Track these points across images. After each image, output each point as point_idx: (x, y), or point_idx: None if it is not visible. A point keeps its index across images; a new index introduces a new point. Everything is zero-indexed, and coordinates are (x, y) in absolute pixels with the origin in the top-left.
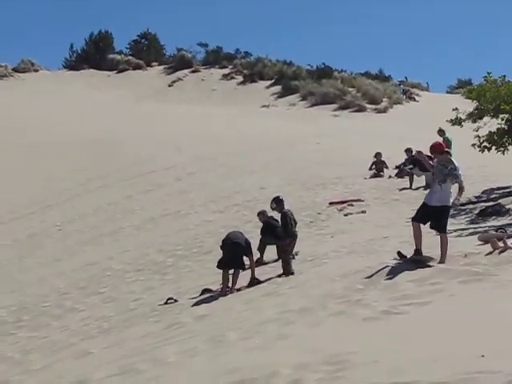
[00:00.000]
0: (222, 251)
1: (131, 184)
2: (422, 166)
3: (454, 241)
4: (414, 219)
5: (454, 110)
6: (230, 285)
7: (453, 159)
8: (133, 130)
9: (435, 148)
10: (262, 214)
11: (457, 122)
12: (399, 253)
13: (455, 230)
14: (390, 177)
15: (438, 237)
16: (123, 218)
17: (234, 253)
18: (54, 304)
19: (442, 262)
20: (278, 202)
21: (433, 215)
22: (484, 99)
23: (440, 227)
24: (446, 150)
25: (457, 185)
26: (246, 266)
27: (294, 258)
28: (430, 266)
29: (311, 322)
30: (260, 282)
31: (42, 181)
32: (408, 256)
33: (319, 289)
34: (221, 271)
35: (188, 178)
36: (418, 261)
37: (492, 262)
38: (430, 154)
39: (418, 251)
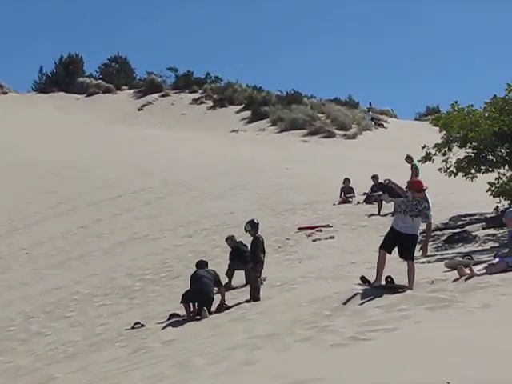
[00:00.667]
0: (190, 285)
1: (100, 208)
2: (392, 193)
3: (422, 267)
4: (381, 246)
5: (423, 147)
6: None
7: (427, 196)
8: (102, 153)
9: (414, 186)
10: (230, 239)
11: (427, 158)
12: (363, 278)
13: (421, 257)
14: (358, 203)
15: (405, 263)
16: (92, 241)
17: (204, 293)
18: (20, 328)
19: (409, 288)
20: (253, 225)
21: (402, 242)
22: (451, 129)
23: (408, 254)
24: (424, 188)
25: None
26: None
27: (262, 283)
28: (396, 292)
29: (279, 347)
30: (228, 308)
31: (10, 203)
32: (372, 281)
33: (287, 314)
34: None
35: (157, 202)
36: (384, 287)
37: (458, 288)
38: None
39: (375, 283)
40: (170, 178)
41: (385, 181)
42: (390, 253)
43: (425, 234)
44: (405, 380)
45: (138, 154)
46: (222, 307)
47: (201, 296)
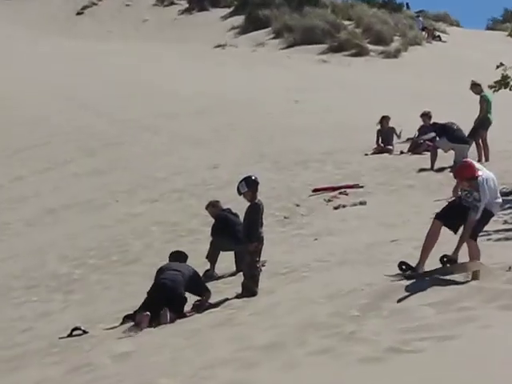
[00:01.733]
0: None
1: (21, 159)
2: (453, 136)
3: (492, 247)
4: (437, 216)
5: (498, 66)
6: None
7: (481, 182)
8: (23, 78)
9: (464, 174)
10: (213, 206)
11: (503, 83)
12: (403, 264)
13: (494, 231)
14: (401, 152)
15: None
16: (9, 208)
17: (168, 288)
18: None
19: (474, 278)
20: (250, 185)
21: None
22: None
23: (472, 232)
24: (475, 175)
25: None
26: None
27: (260, 270)
28: (457, 284)
29: (283, 364)
30: (211, 306)
31: None
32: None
33: (295, 316)
34: None
35: (105, 152)
36: (434, 272)
37: None
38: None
39: (418, 267)
40: (125, 116)
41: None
42: (452, 230)
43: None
44: None
45: (77, 79)
46: (203, 305)
47: (162, 293)
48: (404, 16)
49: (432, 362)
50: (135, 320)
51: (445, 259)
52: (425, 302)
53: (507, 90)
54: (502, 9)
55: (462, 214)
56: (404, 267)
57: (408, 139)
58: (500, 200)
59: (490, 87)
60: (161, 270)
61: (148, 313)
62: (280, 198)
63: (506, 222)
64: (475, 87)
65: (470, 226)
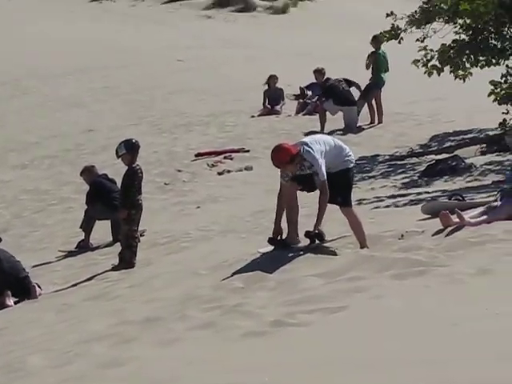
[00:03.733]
0: None
1: None
2: (339, 97)
3: (384, 213)
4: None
5: (388, 15)
6: None
7: (305, 151)
8: None
9: (282, 160)
10: (88, 172)
11: (393, 34)
12: (273, 239)
13: (387, 197)
14: (290, 115)
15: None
16: None
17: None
18: None
19: (362, 246)
20: (129, 148)
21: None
22: None
23: (343, 200)
24: (294, 153)
25: None
26: None
27: (139, 240)
28: (346, 253)
29: (161, 339)
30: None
31: None
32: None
33: (175, 288)
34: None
35: None
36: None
37: (441, 245)
38: None
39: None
40: None
41: (336, 80)
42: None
43: None
44: None
45: None
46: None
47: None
48: None
49: (318, 335)
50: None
51: (311, 234)
52: (313, 273)
53: (397, 42)
54: None
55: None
56: (274, 239)
57: (296, 97)
58: (350, 154)
59: (381, 36)
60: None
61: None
62: (161, 164)
63: (396, 187)
64: (375, 41)
65: (321, 189)
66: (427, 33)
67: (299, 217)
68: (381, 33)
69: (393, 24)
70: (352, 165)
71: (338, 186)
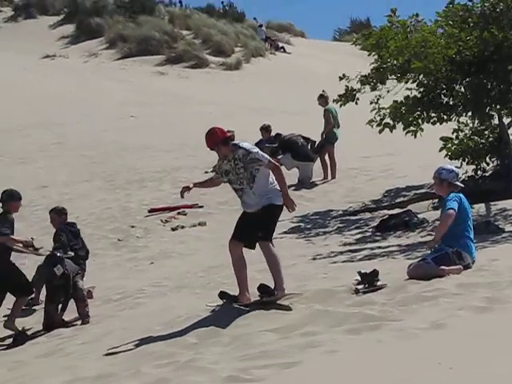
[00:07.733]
0: None
1: None
2: (297, 152)
3: (338, 268)
4: (233, 237)
5: (341, 78)
6: None
7: (239, 143)
8: None
9: (216, 139)
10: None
11: (348, 97)
12: (223, 294)
13: (340, 252)
14: None
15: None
16: None
17: None
18: None
19: (276, 283)
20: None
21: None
22: (386, 52)
23: (265, 231)
24: (228, 135)
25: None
26: None
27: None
28: (300, 308)
29: None
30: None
31: None
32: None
33: (128, 345)
34: None
35: None
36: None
37: (394, 300)
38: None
39: (242, 297)
40: None
41: (293, 135)
42: (250, 246)
43: None
44: None
45: None
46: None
47: None
48: (245, 26)
49: None
50: None
51: (261, 290)
52: (267, 328)
53: (354, 103)
54: (349, 19)
55: (248, 220)
56: (224, 295)
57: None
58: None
59: (336, 101)
60: None
61: None
62: (114, 219)
63: (349, 243)
64: (321, 99)
65: (271, 166)
66: (381, 94)
67: (251, 272)
68: (338, 96)
69: (347, 86)
70: (280, 203)
71: (262, 222)
